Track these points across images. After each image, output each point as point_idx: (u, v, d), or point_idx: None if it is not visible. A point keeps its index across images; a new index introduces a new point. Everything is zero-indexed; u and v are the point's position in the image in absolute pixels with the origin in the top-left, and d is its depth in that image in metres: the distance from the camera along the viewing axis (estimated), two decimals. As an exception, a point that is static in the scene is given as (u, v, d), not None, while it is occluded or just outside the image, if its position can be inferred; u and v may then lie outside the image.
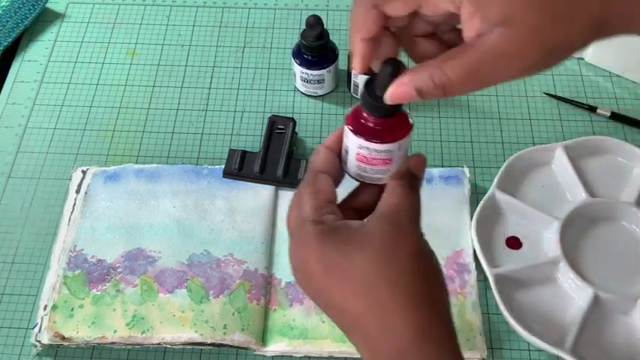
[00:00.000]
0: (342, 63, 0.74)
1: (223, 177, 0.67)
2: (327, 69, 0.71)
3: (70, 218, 0.65)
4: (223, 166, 0.67)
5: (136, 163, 0.69)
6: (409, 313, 0.38)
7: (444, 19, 0.40)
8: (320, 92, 0.74)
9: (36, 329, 0.58)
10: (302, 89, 0.74)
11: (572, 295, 0.60)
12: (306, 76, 0.72)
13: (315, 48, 0.70)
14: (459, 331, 0.57)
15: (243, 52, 0.78)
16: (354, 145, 0.41)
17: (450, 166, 0.68)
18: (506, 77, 0.39)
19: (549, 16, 0.36)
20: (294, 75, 0.73)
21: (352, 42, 0.41)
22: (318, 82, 0.72)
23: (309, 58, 0.71)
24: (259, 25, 0.78)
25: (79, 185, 0.67)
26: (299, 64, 0.71)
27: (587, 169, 0.66)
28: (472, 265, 0.62)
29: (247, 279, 0.60)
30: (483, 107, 0.73)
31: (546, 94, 0.74)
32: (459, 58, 0.38)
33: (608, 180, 0.66)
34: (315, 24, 0.69)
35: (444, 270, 0.61)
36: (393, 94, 0.40)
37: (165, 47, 0.79)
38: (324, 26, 0.70)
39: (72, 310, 0.59)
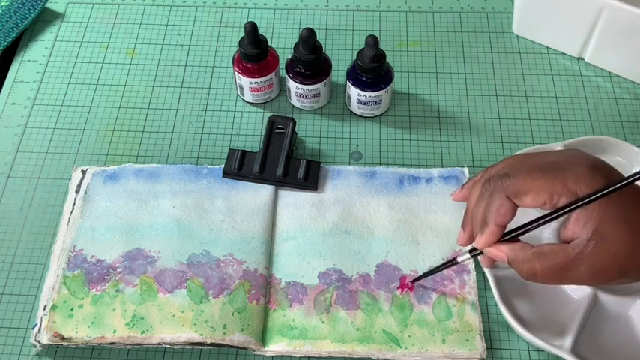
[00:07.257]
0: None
1: (223, 177, 0.67)
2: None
3: (69, 218, 0.65)
4: (223, 166, 0.67)
5: (136, 163, 0.69)
6: None
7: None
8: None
9: (35, 329, 0.58)
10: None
11: (572, 294, 0.60)
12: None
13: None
14: (459, 331, 0.58)
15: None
16: None
17: (450, 166, 0.68)
18: (581, 283, 0.47)
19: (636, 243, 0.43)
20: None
21: (488, 226, 0.49)
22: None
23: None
24: (259, 25, 0.78)
25: (79, 185, 0.67)
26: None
27: (586, 169, 0.66)
28: (472, 265, 0.62)
29: (247, 279, 0.60)
30: (483, 107, 0.73)
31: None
32: (550, 258, 0.46)
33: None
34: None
35: (443, 270, 0.61)
36: (489, 251, 0.50)
37: (165, 47, 0.79)
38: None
39: (71, 309, 0.59)
